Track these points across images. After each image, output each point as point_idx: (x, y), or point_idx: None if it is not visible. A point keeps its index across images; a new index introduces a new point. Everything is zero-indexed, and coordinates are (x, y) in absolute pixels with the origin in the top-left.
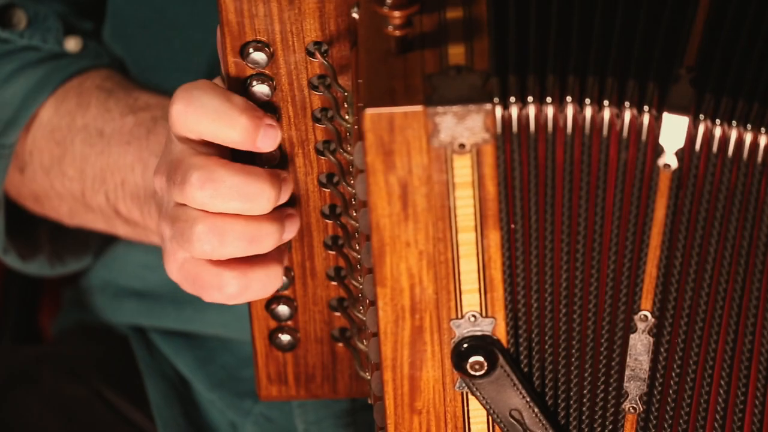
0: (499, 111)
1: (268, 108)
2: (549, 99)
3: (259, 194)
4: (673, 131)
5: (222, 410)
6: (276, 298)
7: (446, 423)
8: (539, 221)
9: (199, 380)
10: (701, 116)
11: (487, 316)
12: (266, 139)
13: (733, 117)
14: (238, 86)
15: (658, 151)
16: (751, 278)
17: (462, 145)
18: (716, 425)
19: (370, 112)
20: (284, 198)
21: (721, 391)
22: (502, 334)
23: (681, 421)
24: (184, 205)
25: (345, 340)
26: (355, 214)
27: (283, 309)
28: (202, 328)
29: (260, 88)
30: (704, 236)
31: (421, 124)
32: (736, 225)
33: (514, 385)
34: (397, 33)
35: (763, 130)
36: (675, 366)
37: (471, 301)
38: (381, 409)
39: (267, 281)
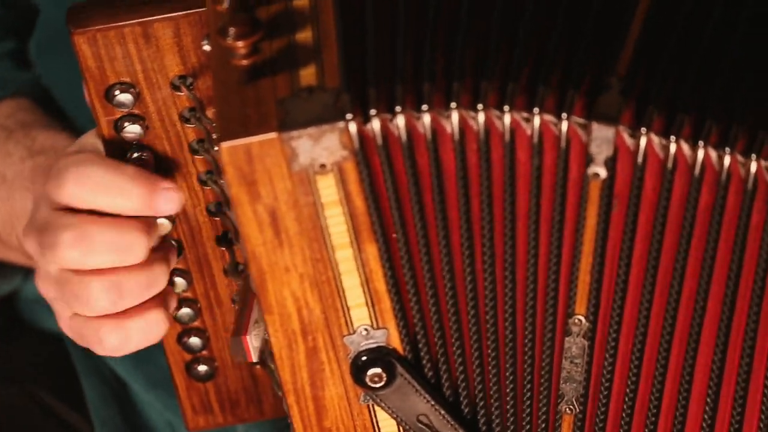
0: (353, 127)
1: (143, 147)
2: (426, 107)
3: (132, 245)
4: (602, 141)
5: (160, 411)
6: (186, 331)
7: None
8: (426, 228)
9: (137, 380)
10: (631, 126)
11: (378, 328)
12: (165, 203)
13: (665, 127)
14: (110, 129)
15: (588, 159)
16: (688, 282)
17: (323, 166)
18: (648, 422)
19: (225, 145)
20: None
21: (654, 390)
22: (396, 343)
23: (622, 422)
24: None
25: (261, 362)
26: None
27: (194, 341)
28: None
29: (132, 129)
30: (637, 243)
31: (278, 150)
32: (688, 236)
33: (417, 390)
34: (245, 62)
35: (701, 143)
36: (609, 368)
37: (360, 315)
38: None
39: (147, 329)
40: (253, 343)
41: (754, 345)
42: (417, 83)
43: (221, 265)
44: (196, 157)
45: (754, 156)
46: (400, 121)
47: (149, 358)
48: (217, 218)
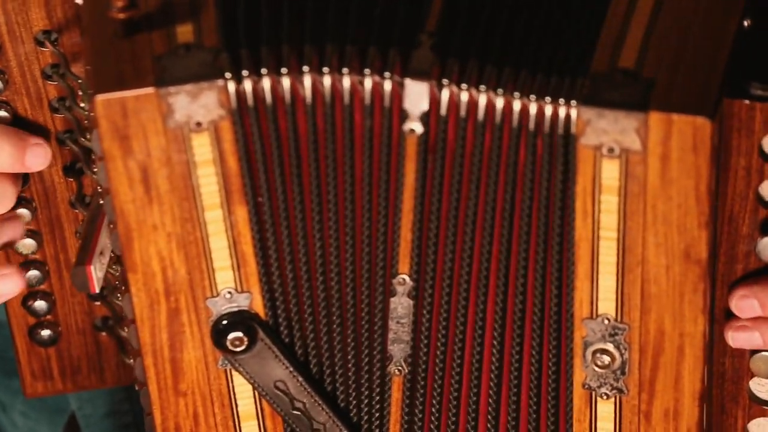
0: (232, 86)
1: (1, 103)
2: (285, 70)
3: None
4: (417, 96)
5: None
6: (32, 294)
7: (212, 401)
8: (286, 193)
9: None
10: (444, 81)
11: (242, 292)
12: (35, 159)
13: (477, 80)
14: None
15: (403, 116)
16: (517, 239)
17: (199, 124)
18: (492, 384)
19: (101, 98)
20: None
21: (495, 351)
22: (259, 308)
23: (452, 381)
24: None
25: (108, 329)
26: (102, 201)
27: (40, 304)
28: None
29: None
30: (459, 199)
31: (154, 106)
32: (495, 187)
33: (276, 356)
34: (121, 15)
35: (500, 91)
36: (440, 327)
37: (225, 278)
38: (146, 395)
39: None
40: (96, 273)
41: (526, 284)
42: (278, 46)
43: (74, 228)
44: (56, 115)
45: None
46: (266, 83)
47: None
48: (72, 179)
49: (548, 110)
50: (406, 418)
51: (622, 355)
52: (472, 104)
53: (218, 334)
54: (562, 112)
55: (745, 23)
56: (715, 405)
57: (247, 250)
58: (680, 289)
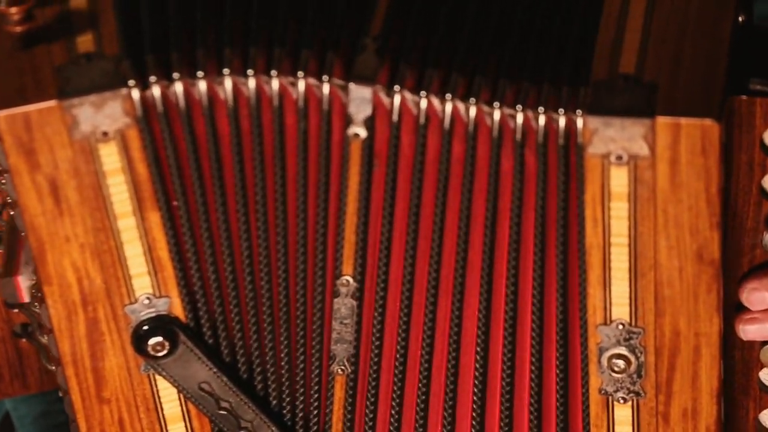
0: (136, 94)
1: None
2: (201, 73)
3: None
4: (361, 101)
5: None
6: None
7: (137, 407)
8: (205, 195)
9: None
10: (386, 85)
11: (161, 296)
12: None
13: (417, 84)
14: None
15: (347, 120)
16: (449, 236)
17: (105, 133)
18: (421, 378)
19: (3, 114)
20: None
21: (425, 346)
22: (179, 311)
23: (395, 379)
24: None
25: (28, 336)
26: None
27: None
28: None
29: None
30: (399, 201)
31: (58, 118)
32: (469, 195)
33: (199, 358)
34: (18, 28)
35: (448, 96)
36: (378, 327)
37: (142, 284)
38: (69, 403)
39: None
40: (24, 283)
41: (517, 291)
42: (192, 50)
43: None
44: None
45: (497, 105)
46: (178, 88)
47: None
48: None
49: (547, 121)
50: (348, 416)
51: (638, 358)
52: (407, 108)
53: (139, 340)
54: (562, 121)
55: (740, 19)
56: (726, 398)
57: (163, 255)
58: (694, 290)
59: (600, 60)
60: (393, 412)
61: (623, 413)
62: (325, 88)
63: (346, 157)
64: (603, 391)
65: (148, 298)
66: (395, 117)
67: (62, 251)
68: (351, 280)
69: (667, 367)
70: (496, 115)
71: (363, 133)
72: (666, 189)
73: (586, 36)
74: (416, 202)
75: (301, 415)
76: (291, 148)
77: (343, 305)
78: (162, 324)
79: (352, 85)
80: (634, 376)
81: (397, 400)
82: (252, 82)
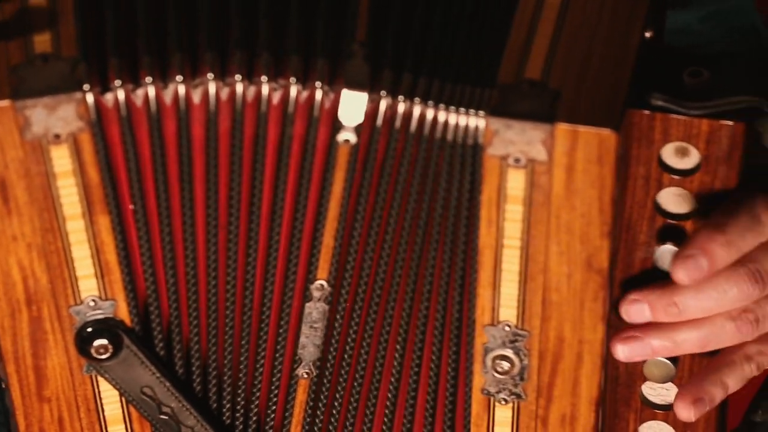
0: (90, 98)
1: None
2: (179, 78)
3: None
4: (352, 107)
5: None
6: None
7: (78, 407)
8: (169, 198)
9: None
10: (380, 92)
11: (107, 299)
12: None
13: (410, 92)
14: None
15: (337, 126)
16: (428, 248)
17: (57, 136)
18: (391, 387)
19: None
20: None
21: (397, 356)
22: (125, 315)
23: (354, 383)
24: None
25: None
26: None
27: None
28: None
29: None
30: (384, 208)
31: (11, 118)
32: (416, 197)
33: (143, 362)
34: None
35: (441, 105)
36: (351, 332)
37: (89, 286)
38: (10, 398)
39: None
40: None
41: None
42: (162, 54)
43: None
44: None
45: (431, 103)
46: (151, 91)
47: None
48: None
49: (459, 120)
50: (308, 419)
51: (521, 361)
52: (407, 116)
53: (82, 341)
54: (471, 122)
55: (647, 34)
56: (608, 408)
57: (111, 259)
58: (581, 297)
59: (508, 63)
60: (348, 416)
61: (504, 414)
62: (317, 94)
63: (332, 162)
64: (485, 391)
65: (93, 300)
66: (387, 123)
67: (9, 250)
68: (326, 284)
69: (549, 372)
70: (429, 113)
71: (353, 139)
72: (561, 195)
73: (497, 39)
74: (397, 209)
75: (254, 419)
76: (270, 152)
77: (315, 309)
78: (106, 327)
79: (345, 92)
80: (517, 378)
81: (354, 404)
82: (240, 87)
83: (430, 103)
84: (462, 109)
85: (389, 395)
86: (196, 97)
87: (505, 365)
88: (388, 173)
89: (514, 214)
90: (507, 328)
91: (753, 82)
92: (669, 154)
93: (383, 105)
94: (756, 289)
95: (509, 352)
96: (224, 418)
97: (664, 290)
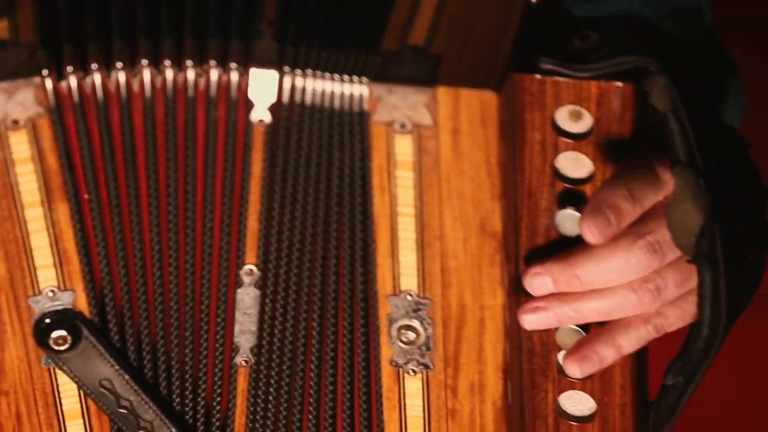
0: (49, 83)
1: None
2: (120, 64)
3: None
4: (263, 86)
5: None
6: None
7: (36, 400)
8: (119, 189)
9: None
10: (288, 69)
11: (66, 290)
12: None
13: (322, 68)
14: None
15: (249, 106)
16: (330, 221)
17: (16, 122)
18: (329, 371)
19: None
20: None
21: (315, 333)
22: (84, 306)
23: (297, 369)
24: None
25: None
26: None
27: None
28: None
29: None
30: (295, 186)
31: None
32: (316, 171)
33: (102, 355)
34: None
35: (355, 78)
36: (284, 316)
37: (47, 276)
38: None
39: None
40: None
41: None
42: (108, 42)
43: None
44: None
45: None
46: (97, 79)
47: None
48: None
49: (344, 89)
50: (251, 408)
51: (426, 330)
52: (304, 90)
53: (41, 332)
54: (356, 90)
55: (533, 0)
56: (526, 380)
57: (70, 248)
58: (478, 262)
59: (392, 31)
60: (295, 402)
61: (414, 385)
62: (234, 76)
63: (249, 144)
64: (394, 363)
65: (52, 291)
66: (305, 101)
67: None
68: (255, 269)
69: (454, 340)
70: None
71: (267, 118)
72: (449, 159)
73: (383, 9)
74: (303, 185)
75: (202, 411)
76: (200, 138)
77: (247, 295)
78: (65, 318)
79: (253, 71)
80: (423, 348)
81: (299, 390)
82: (169, 74)
83: (318, 73)
84: (346, 77)
85: (328, 378)
86: (137, 85)
87: (411, 335)
88: (295, 150)
89: (405, 180)
90: (409, 297)
91: (640, 42)
92: (563, 118)
93: (287, 81)
94: (655, 260)
95: (414, 322)
96: (185, 410)
97: (566, 262)
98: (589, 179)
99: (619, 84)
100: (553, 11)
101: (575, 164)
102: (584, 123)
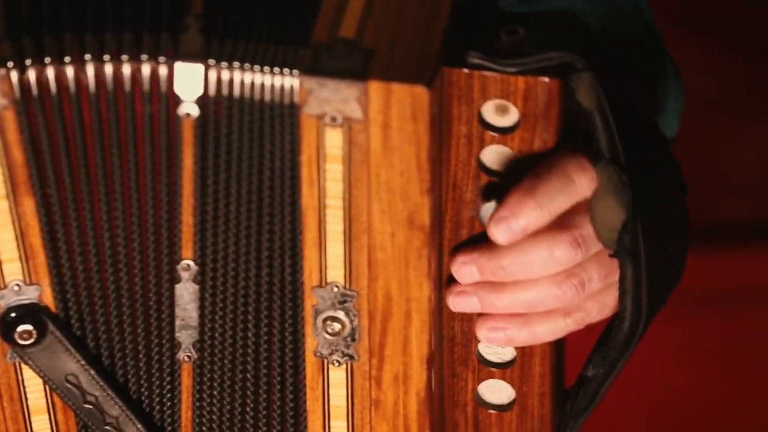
0: (15, 75)
1: None
2: (69, 59)
3: None
4: (190, 80)
5: None
6: None
7: (0, 395)
8: (74, 184)
9: None
10: (213, 62)
11: (31, 284)
12: None
13: (250, 60)
14: None
15: (177, 101)
16: (261, 213)
17: None
18: (263, 363)
19: None
20: None
21: (264, 329)
22: (49, 300)
23: (237, 362)
24: None
25: None
26: None
27: None
28: None
29: None
30: (227, 179)
31: None
32: (248, 163)
33: (67, 350)
34: None
35: (257, 67)
36: (224, 310)
37: (13, 270)
38: None
39: None
40: None
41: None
42: (60, 35)
43: None
44: None
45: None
46: (50, 73)
47: None
48: None
49: (274, 81)
50: (197, 404)
51: (351, 322)
52: (230, 82)
53: (6, 327)
54: (287, 82)
55: None
56: (446, 369)
57: (36, 242)
58: (405, 255)
59: (322, 24)
60: (236, 396)
61: (338, 376)
62: (162, 70)
63: (179, 138)
64: (318, 354)
65: (17, 285)
66: (232, 93)
67: None
68: (192, 263)
69: (380, 332)
70: (247, 77)
71: (195, 112)
72: (379, 153)
73: (314, 0)
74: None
75: (158, 408)
76: (140, 133)
77: (186, 290)
78: (31, 312)
79: (178, 65)
80: (348, 339)
81: (240, 384)
82: (109, 68)
83: (246, 66)
84: (276, 69)
85: (262, 371)
86: (85, 78)
87: (336, 326)
88: (226, 143)
89: (334, 173)
90: (335, 289)
91: (567, 38)
92: (489, 112)
93: (212, 74)
94: (579, 254)
95: (340, 314)
96: (142, 407)
97: (491, 254)
98: (512, 173)
99: (546, 79)
100: (481, 5)
101: (500, 158)
102: (510, 117)
